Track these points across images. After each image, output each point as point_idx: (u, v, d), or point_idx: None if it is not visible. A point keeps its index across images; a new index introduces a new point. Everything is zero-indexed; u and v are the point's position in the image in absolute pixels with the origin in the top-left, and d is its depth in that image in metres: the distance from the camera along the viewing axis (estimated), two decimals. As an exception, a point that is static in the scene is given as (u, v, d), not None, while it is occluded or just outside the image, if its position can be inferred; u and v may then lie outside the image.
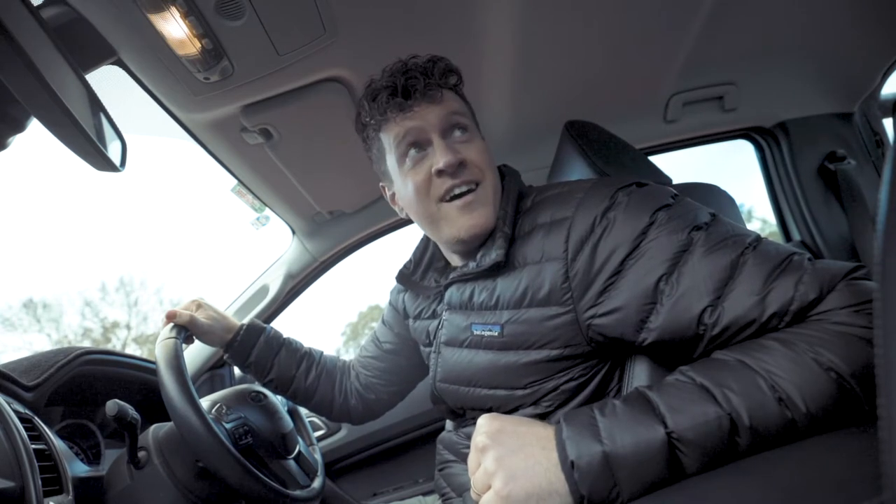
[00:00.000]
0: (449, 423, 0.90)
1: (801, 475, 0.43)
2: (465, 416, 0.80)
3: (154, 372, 0.79)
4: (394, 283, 0.94)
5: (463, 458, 0.80)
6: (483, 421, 0.52)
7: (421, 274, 0.89)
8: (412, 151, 0.71)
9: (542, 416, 0.66)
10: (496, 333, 0.68)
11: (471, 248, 0.74)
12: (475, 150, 0.72)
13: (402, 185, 0.74)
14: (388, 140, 0.73)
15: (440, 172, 0.69)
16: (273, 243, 1.51)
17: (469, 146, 0.71)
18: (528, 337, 0.65)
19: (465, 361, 0.73)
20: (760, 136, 1.49)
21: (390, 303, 1.04)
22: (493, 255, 0.69)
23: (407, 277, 0.89)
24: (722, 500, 0.43)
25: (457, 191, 0.70)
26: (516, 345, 0.67)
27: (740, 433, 0.44)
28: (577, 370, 0.65)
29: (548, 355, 0.65)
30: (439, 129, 0.70)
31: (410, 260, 0.90)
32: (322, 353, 1.10)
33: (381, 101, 0.70)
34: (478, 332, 0.71)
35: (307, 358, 1.06)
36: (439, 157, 0.69)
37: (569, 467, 0.45)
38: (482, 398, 0.72)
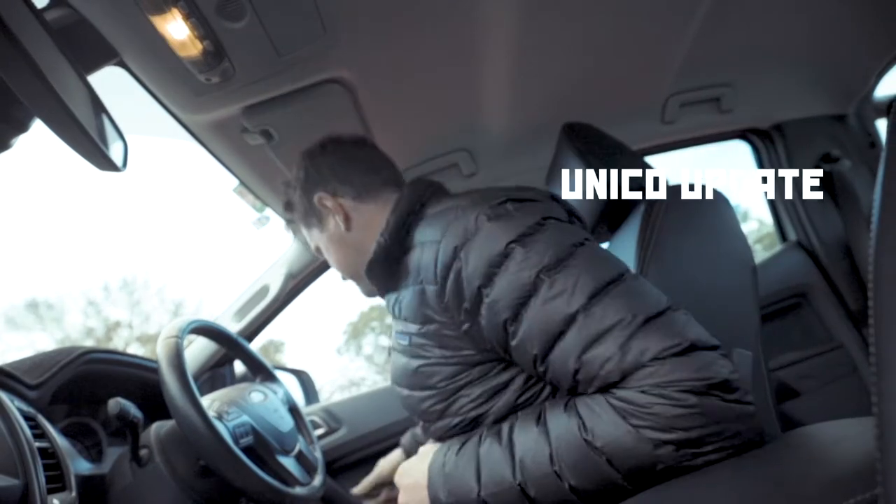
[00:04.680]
0: None
1: (798, 469, 0.44)
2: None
3: (156, 371, 0.80)
4: None
5: None
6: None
7: None
8: None
9: (471, 420, 0.68)
10: (406, 343, 0.72)
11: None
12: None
13: None
14: None
15: None
16: (274, 243, 1.51)
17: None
18: (427, 348, 0.69)
19: (401, 365, 0.76)
20: (757, 137, 1.50)
21: None
22: (365, 290, 0.84)
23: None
24: (720, 495, 0.44)
25: None
26: (417, 354, 0.71)
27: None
28: (476, 371, 0.67)
29: (447, 358, 0.68)
30: None
31: None
32: None
33: None
34: (398, 340, 0.75)
35: None
36: None
37: None
38: (406, 399, 0.75)
